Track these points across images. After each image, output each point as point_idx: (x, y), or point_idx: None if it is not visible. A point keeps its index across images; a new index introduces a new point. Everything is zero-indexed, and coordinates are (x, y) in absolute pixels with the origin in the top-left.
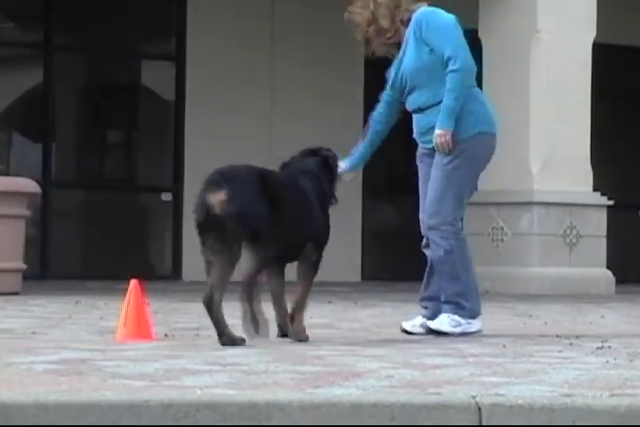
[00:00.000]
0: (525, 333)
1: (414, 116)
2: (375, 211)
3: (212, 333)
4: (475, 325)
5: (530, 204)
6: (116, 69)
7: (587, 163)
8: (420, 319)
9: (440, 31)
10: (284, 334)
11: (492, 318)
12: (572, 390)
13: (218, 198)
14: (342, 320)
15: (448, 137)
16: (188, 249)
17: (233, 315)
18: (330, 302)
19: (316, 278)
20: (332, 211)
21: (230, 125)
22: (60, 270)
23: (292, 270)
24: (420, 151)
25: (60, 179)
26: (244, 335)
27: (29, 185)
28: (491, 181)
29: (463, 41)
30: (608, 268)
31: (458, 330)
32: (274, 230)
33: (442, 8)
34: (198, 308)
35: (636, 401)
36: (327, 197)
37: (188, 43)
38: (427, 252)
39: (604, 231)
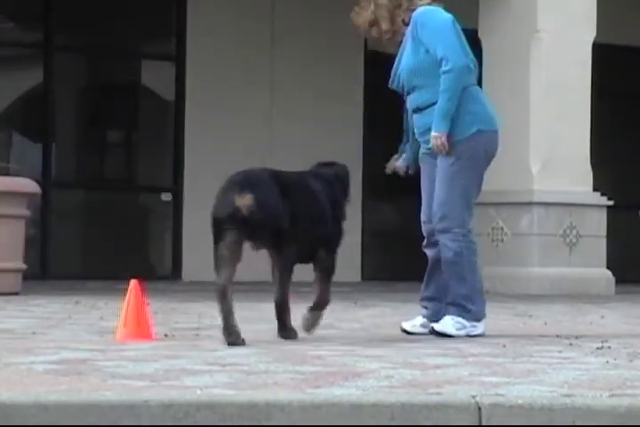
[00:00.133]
0: (525, 333)
1: (414, 116)
2: (375, 211)
3: (212, 333)
4: (479, 328)
5: (530, 204)
6: (116, 69)
7: (587, 163)
8: (420, 319)
9: (433, 31)
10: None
11: (492, 318)
12: (571, 391)
13: (245, 202)
14: (342, 320)
15: (443, 139)
16: (187, 249)
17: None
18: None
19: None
20: None
21: (230, 125)
22: (60, 270)
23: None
24: (421, 151)
25: (60, 179)
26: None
27: (29, 185)
28: (491, 181)
29: (456, 41)
30: (608, 268)
31: (462, 333)
32: (295, 229)
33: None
34: (198, 308)
35: (636, 401)
36: (339, 206)
37: (188, 43)
38: (428, 252)
39: (603, 231)
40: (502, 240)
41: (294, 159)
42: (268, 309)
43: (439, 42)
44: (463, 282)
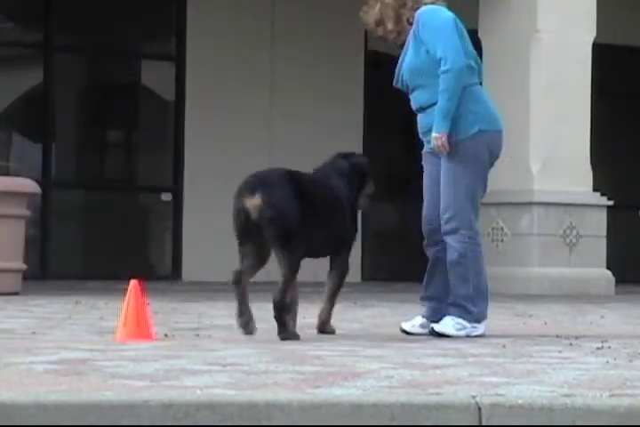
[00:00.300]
0: (525, 333)
1: (417, 116)
2: (375, 211)
3: (212, 333)
4: (479, 329)
5: (530, 204)
6: (115, 69)
7: (586, 163)
8: (419, 319)
9: (434, 31)
10: (321, 331)
11: (492, 318)
12: (571, 391)
13: (254, 203)
14: (342, 320)
15: (444, 139)
16: (187, 249)
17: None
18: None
19: (317, 278)
20: None
21: (230, 125)
22: (60, 270)
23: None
24: (424, 150)
25: (60, 179)
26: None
27: (29, 185)
28: (491, 181)
29: (456, 41)
30: (608, 268)
31: (462, 333)
32: (305, 229)
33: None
34: (198, 308)
35: (636, 401)
36: (355, 200)
37: (188, 43)
38: (428, 251)
39: (603, 231)
40: (502, 240)
41: (294, 159)
42: (269, 308)
43: (439, 42)
44: (466, 283)
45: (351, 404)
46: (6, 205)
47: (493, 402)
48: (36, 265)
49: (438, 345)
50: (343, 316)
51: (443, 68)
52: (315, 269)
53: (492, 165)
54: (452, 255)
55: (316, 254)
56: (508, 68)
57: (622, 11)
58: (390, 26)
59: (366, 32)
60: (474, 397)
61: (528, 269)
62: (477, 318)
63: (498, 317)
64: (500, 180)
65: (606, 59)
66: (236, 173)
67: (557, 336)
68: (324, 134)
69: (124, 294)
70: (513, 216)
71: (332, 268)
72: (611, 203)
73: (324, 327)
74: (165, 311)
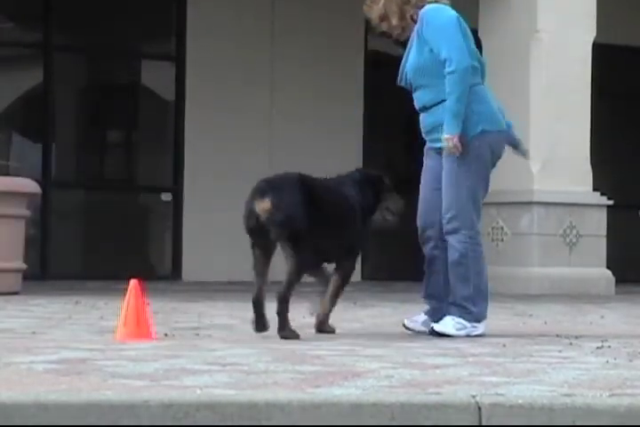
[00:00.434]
0: (525, 332)
1: (420, 115)
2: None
3: (212, 332)
4: (479, 328)
5: (530, 204)
6: (116, 69)
7: (587, 163)
8: (422, 317)
9: (438, 31)
10: (319, 330)
11: (492, 317)
12: (571, 390)
13: (263, 207)
14: (342, 320)
15: (455, 140)
16: (187, 249)
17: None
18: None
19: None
20: None
21: (230, 125)
22: (60, 270)
23: None
24: (426, 146)
25: (60, 179)
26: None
27: (29, 185)
28: (491, 180)
29: (460, 41)
30: (608, 268)
31: (462, 333)
32: (314, 233)
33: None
34: (198, 308)
35: (636, 401)
36: (370, 210)
37: (188, 43)
38: (423, 248)
39: (603, 231)
40: (502, 240)
41: (294, 159)
42: (270, 308)
43: (443, 42)
44: (466, 283)
45: (351, 404)
46: (6, 205)
47: (493, 402)
48: (36, 265)
49: (438, 345)
50: (343, 316)
51: (448, 69)
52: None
53: (494, 165)
54: (453, 255)
55: (325, 259)
56: (507, 68)
57: (622, 11)
58: (395, 21)
59: (366, 32)
60: (474, 396)
61: (528, 269)
62: (477, 318)
63: (498, 316)
64: (500, 180)
65: (606, 59)
66: (236, 173)
67: (557, 336)
68: (324, 134)
69: (124, 294)
70: (513, 216)
71: (337, 268)
72: (611, 203)
73: (323, 327)
74: (165, 311)
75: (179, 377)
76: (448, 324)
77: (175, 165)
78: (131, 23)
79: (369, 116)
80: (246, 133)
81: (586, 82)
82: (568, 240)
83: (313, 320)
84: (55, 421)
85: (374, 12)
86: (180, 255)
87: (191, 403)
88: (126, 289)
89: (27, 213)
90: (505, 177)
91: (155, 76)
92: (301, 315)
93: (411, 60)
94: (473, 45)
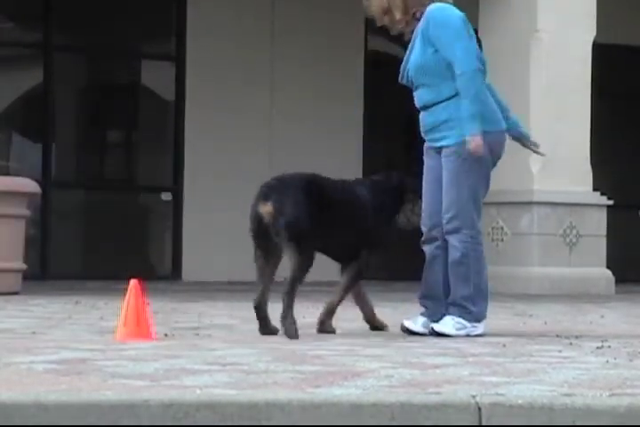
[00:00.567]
0: (525, 332)
1: (421, 114)
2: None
3: (212, 332)
4: (479, 328)
5: (530, 204)
6: (116, 69)
7: (587, 163)
8: (421, 318)
9: (445, 32)
10: (374, 328)
11: (492, 317)
12: (572, 390)
13: (266, 210)
14: (342, 320)
15: (477, 141)
16: (187, 249)
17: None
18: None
19: (316, 278)
20: None
21: (230, 125)
22: (60, 270)
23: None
24: (426, 146)
25: (60, 179)
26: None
27: (29, 185)
28: (491, 180)
29: (468, 43)
30: (608, 268)
31: (462, 333)
32: (320, 233)
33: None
34: (198, 308)
35: (636, 401)
36: (390, 211)
37: (188, 43)
38: (425, 248)
39: (603, 231)
40: (502, 240)
41: (294, 159)
42: (270, 308)
43: (451, 43)
44: (467, 283)
45: (351, 403)
46: (6, 205)
47: (493, 402)
48: (36, 265)
49: (438, 344)
50: (343, 316)
51: (457, 71)
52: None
53: (494, 164)
54: (454, 255)
55: (335, 258)
56: (507, 68)
57: (622, 11)
58: (398, 15)
59: (366, 32)
60: (474, 396)
61: (528, 269)
62: (477, 318)
63: (498, 316)
64: (500, 179)
65: (606, 59)
66: (236, 173)
67: (557, 336)
68: (324, 134)
69: (124, 294)
70: (513, 216)
71: (348, 267)
72: (611, 202)
73: (324, 327)
74: (165, 311)
75: (179, 377)
76: (448, 324)
77: (175, 164)
78: (131, 23)
79: (369, 116)
80: (246, 133)
81: (586, 82)
82: (568, 240)
83: (314, 321)
84: (55, 421)
85: (376, 5)
86: (180, 255)
87: (191, 403)
88: (126, 289)
89: (27, 213)
90: (505, 177)
91: (155, 76)
92: (301, 315)
93: (413, 58)
94: (476, 46)
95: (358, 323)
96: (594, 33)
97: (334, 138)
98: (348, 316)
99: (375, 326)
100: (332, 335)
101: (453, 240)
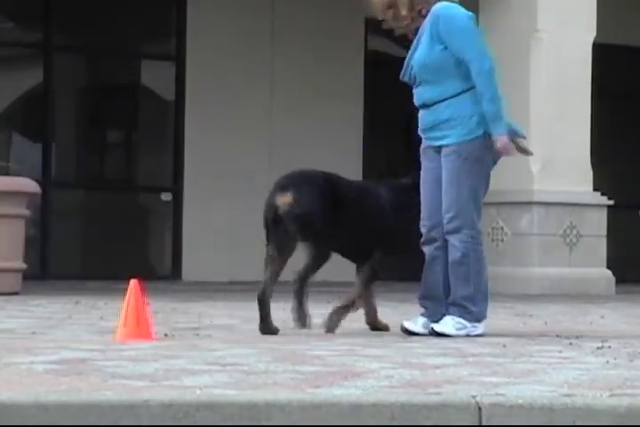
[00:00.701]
0: (525, 333)
1: (420, 112)
2: None
3: (212, 332)
4: (479, 328)
5: (530, 204)
6: (116, 69)
7: (587, 163)
8: (421, 319)
9: (459, 33)
10: (374, 328)
11: (492, 317)
12: (571, 390)
13: (284, 201)
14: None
15: (505, 140)
16: (187, 249)
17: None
18: (330, 302)
19: (316, 278)
20: None
21: (230, 125)
22: (60, 270)
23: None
24: (423, 146)
25: (60, 179)
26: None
27: (29, 185)
28: (491, 180)
29: (480, 42)
30: (608, 268)
31: (462, 333)
32: (336, 232)
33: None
34: (198, 308)
35: (636, 401)
36: (411, 212)
37: (188, 43)
38: (425, 249)
39: (604, 231)
40: (502, 240)
41: (294, 160)
42: (275, 309)
43: (464, 43)
44: (467, 283)
45: (351, 404)
46: (6, 205)
47: (493, 402)
48: (36, 265)
49: (438, 345)
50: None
51: (474, 71)
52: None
53: (494, 165)
54: (454, 255)
55: (352, 259)
56: (507, 68)
57: (622, 11)
58: (404, 11)
59: (366, 32)
60: (474, 396)
61: (528, 269)
62: (477, 318)
63: (498, 316)
64: (500, 179)
65: (606, 59)
66: (237, 174)
67: (557, 336)
68: (325, 135)
69: (124, 294)
70: (513, 216)
71: (363, 267)
72: (611, 202)
73: (331, 324)
74: (165, 311)
75: (179, 377)
76: (448, 324)
77: (175, 164)
78: (131, 23)
79: (369, 116)
80: (246, 133)
81: (586, 82)
82: (568, 240)
83: (315, 321)
84: (55, 421)
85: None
86: (179, 255)
87: (191, 403)
88: (126, 289)
89: (27, 212)
90: (505, 177)
91: (155, 76)
92: None
93: (419, 55)
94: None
95: (358, 323)
96: (594, 33)
97: (335, 138)
98: (349, 316)
99: (377, 327)
100: (332, 335)
101: (454, 240)
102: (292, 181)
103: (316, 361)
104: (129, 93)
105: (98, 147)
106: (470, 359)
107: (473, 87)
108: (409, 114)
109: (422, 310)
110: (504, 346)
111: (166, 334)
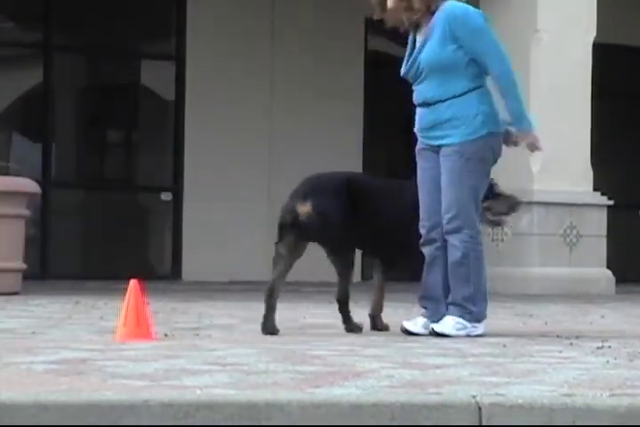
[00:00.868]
0: (525, 333)
1: (420, 110)
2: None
3: (212, 332)
4: (479, 328)
5: (530, 204)
6: (116, 69)
7: (587, 163)
8: (421, 320)
9: (477, 34)
10: (374, 326)
11: (492, 317)
12: (572, 390)
13: (303, 210)
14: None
15: (532, 136)
16: (187, 249)
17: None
18: (330, 302)
19: (316, 278)
20: None
21: (230, 125)
22: (60, 270)
23: None
24: (420, 146)
25: (60, 179)
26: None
27: (29, 185)
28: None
29: (497, 41)
30: (608, 268)
31: (462, 333)
32: (358, 235)
33: None
34: (198, 308)
35: (636, 401)
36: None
37: (188, 42)
38: (425, 250)
39: (604, 231)
40: (502, 240)
41: (295, 160)
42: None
43: (484, 45)
44: (467, 283)
45: (351, 404)
46: (6, 205)
47: (494, 402)
48: (36, 265)
49: (438, 345)
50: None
51: (495, 71)
52: (315, 269)
53: (494, 164)
54: (454, 255)
55: (376, 257)
56: None
57: (622, 11)
58: (417, 5)
59: (366, 32)
60: (474, 396)
61: (528, 269)
62: (477, 318)
63: (498, 316)
64: (500, 179)
65: (606, 59)
66: (237, 173)
67: (558, 336)
68: (325, 135)
69: (124, 294)
70: (513, 216)
71: (378, 265)
72: (611, 202)
73: (375, 324)
74: (165, 311)
75: (179, 377)
76: (448, 324)
77: (175, 164)
78: (131, 23)
79: (369, 116)
80: (246, 133)
81: (586, 82)
82: (568, 240)
83: (315, 321)
84: (55, 421)
85: None
86: (179, 255)
87: (191, 403)
88: (126, 289)
89: (27, 213)
90: (505, 177)
91: (155, 76)
92: (301, 315)
93: (428, 53)
94: None
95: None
96: (594, 33)
97: (335, 138)
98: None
99: (376, 324)
100: (332, 335)
101: (454, 240)
102: (313, 189)
103: (316, 361)
104: (129, 93)
105: (98, 147)
106: (470, 359)
107: (479, 87)
108: (409, 114)
109: (422, 310)
110: (504, 346)
111: (166, 334)
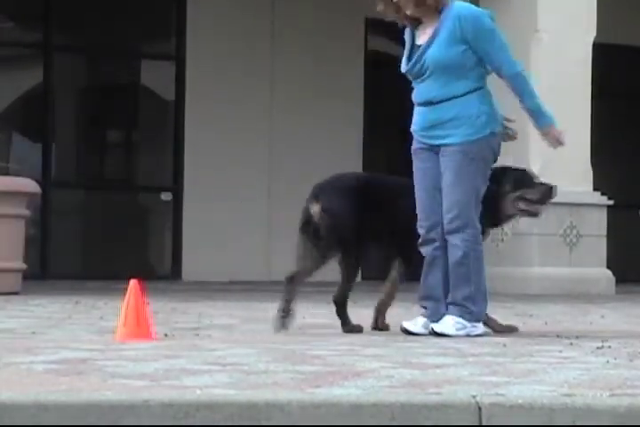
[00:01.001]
0: (525, 332)
1: (420, 109)
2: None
3: (212, 332)
4: (479, 328)
5: None
6: (116, 69)
7: (587, 163)
8: (421, 320)
9: (487, 35)
10: (375, 325)
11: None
12: (572, 390)
13: (315, 210)
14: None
15: (555, 130)
16: (187, 249)
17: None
18: (328, 302)
19: (316, 278)
20: None
21: (230, 125)
22: (60, 270)
23: None
24: (417, 146)
25: (60, 179)
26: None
27: (29, 185)
28: None
29: (506, 44)
30: (608, 268)
31: (462, 333)
32: (371, 234)
33: None
34: (198, 308)
35: (636, 401)
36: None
37: (188, 42)
38: (424, 250)
39: (604, 231)
40: (502, 240)
41: (295, 160)
42: (270, 308)
43: (495, 47)
44: (467, 283)
45: (351, 404)
46: (6, 205)
47: (494, 402)
48: (36, 265)
49: (438, 344)
50: None
51: (507, 73)
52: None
53: (494, 162)
54: (455, 255)
55: (389, 255)
56: None
57: (622, 11)
58: (430, 0)
59: (366, 32)
60: (474, 396)
61: (528, 269)
62: (477, 318)
63: (498, 316)
64: None
65: (606, 59)
66: (237, 173)
67: (558, 336)
68: (325, 134)
69: (124, 294)
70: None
71: (398, 265)
72: (611, 202)
73: (377, 320)
74: (165, 311)
75: (179, 377)
76: (448, 323)
77: (175, 164)
78: (131, 23)
79: (369, 116)
80: (246, 133)
81: (586, 82)
82: (568, 240)
83: (315, 321)
84: (55, 421)
85: None
86: (179, 255)
87: (191, 403)
88: (126, 289)
89: (27, 213)
90: None
91: (155, 76)
92: (301, 315)
93: (435, 52)
94: None
95: (358, 323)
96: (594, 33)
97: (335, 138)
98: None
99: (377, 322)
100: (332, 335)
101: (455, 240)
102: (324, 190)
103: (316, 361)
104: (129, 93)
105: (98, 147)
106: (470, 359)
107: (481, 87)
108: (409, 113)
109: (422, 310)
110: (504, 346)
111: (166, 334)
